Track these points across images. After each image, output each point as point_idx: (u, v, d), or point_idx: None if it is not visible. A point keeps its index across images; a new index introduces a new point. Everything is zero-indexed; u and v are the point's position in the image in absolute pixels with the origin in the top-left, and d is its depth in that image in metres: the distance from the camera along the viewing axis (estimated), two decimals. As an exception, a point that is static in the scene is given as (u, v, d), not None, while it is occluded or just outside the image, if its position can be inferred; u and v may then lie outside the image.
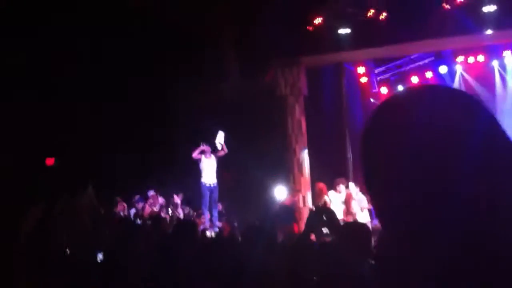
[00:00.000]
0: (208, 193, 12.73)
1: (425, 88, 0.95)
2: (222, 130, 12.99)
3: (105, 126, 14.00)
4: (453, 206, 0.79)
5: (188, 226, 5.72)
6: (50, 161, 13.68)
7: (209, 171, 12.84)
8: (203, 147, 12.83)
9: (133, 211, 13.00)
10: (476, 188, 0.79)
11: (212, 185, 12.80)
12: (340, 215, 11.72)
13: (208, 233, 10.74)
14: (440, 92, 0.91)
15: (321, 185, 11.55)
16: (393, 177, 0.85)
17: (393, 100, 0.95)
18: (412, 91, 0.96)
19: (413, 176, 0.83)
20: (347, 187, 12.14)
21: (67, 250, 4.48)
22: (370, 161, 0.91)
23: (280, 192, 12.85)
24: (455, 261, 0.78)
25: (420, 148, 0.82)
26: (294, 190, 12.20)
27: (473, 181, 0.79)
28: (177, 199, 11.84)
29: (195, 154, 12.83)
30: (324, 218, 5.19)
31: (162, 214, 11.60)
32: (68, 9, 12.32)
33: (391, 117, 0.90)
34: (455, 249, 0.79)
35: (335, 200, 11.90)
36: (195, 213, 13.11)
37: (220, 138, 12.84)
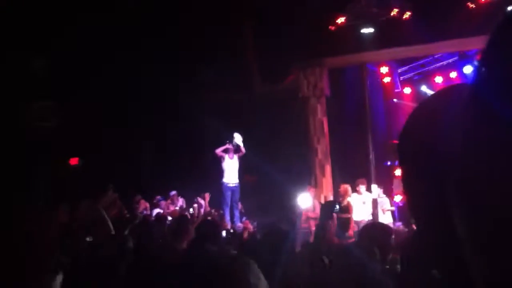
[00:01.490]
0: (229, 193, 12.81)
1: (459, 85, 1.00)
2: (242, 131, 13.07)
3: (128, 127, 14.19)
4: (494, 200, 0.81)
5: (211, 226, 5.78)
6: (74, 161, 13.83)
7: (231, 171, 12.93)
8: (228, 145, 12.93)
9: (155, 211, 13.12)
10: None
11: (234, 185, 12.89)
12: (361, 215, 11.71)
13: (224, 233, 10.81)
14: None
15: (346, 186, 11.53)
16: (432, 171, 0.88)
17: (429, 101, 1.00)
18: (449, 88, 1.01)
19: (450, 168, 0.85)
20: (368, 188, 12.10)
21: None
22: (409, 160, 0.96)
23: (303, 200, 12.69)
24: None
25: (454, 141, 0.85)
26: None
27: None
28: (201, 200, 11.95)
29: (218, 151, 12.94)
30: (336, 208, 5.24)
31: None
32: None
33: (429, 113, 0.94)
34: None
35: (356, 201, 11.88)
36: (216, 213, 13.18)
37: (238, 139, 12.94)
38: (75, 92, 12.79)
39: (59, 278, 1.62)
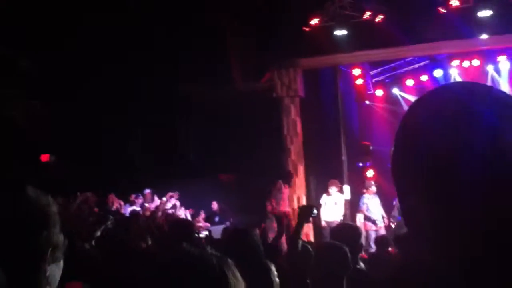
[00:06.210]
0: None
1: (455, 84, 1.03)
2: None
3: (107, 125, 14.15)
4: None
5: (185, 226, 5.79)
6: (44, 158, 13.71)
7: None
8: None
9: (128, 208, 13.06)
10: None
11: None
12: (332, 216, 11.87)
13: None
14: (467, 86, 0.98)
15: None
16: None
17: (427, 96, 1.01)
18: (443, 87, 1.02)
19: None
20: (340, 189, 12.26)
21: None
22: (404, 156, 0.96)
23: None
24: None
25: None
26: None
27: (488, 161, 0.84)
28: (175, 200, 11.93)
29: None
30: (314, 212, 5.32)
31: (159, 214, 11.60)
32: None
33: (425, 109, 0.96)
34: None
35: (328, 201, 12.05)
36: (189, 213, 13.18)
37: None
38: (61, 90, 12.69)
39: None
